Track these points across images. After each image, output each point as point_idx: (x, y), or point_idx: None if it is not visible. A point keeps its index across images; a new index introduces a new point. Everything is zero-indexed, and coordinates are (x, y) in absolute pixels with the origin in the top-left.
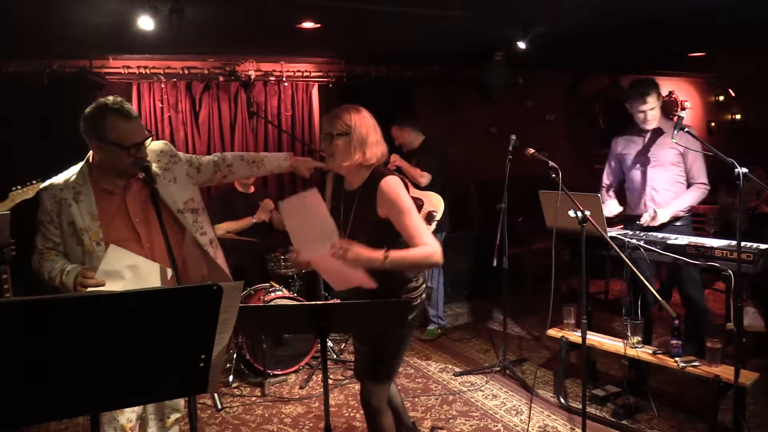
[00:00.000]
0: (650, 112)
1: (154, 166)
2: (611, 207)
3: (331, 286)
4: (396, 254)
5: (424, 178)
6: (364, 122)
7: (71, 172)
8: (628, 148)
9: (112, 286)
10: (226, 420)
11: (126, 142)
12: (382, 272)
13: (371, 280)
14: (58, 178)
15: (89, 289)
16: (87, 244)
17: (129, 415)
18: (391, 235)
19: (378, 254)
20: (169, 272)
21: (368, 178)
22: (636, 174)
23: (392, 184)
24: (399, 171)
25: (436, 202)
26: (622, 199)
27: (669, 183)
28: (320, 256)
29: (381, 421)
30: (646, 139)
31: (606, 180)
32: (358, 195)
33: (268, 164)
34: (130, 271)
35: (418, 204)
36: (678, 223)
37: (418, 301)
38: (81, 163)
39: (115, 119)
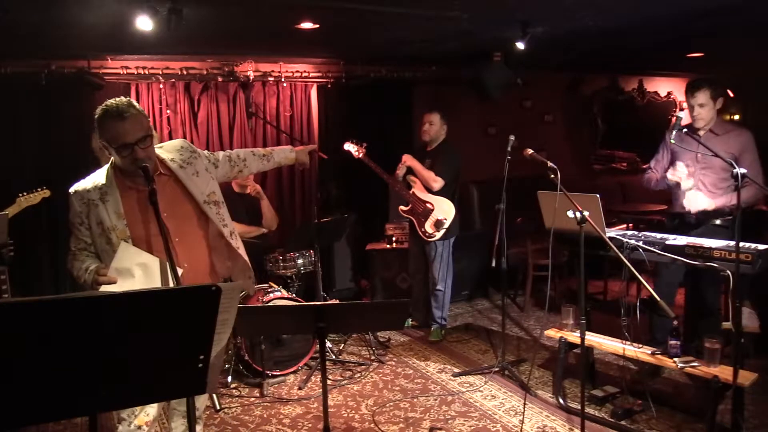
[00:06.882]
0: (698, 108)
1: (178, 160)
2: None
3: None
4: None
5: (438, 183)
6: None
7: (98, 174)
8: (680, 142)
9: (124, 283)
10: (225, 421)
11: (116, 142)
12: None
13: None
14: (86, 182)
15: (102, 287)
16: (115, 243)
17: (149, 410)
18: None
19: None
20: (179, 271)
21: None
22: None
23: None
24: (410, 171)
25: (447, 209)
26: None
27: (714, 186)
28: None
29: None
30: (699, 141)
31: (653, 165)
32: None
33: (277, 156)
34: (140, 269)
35: (428, 209)
36: (717, 222)
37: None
38: (107, 165)
39: (108, 120)
